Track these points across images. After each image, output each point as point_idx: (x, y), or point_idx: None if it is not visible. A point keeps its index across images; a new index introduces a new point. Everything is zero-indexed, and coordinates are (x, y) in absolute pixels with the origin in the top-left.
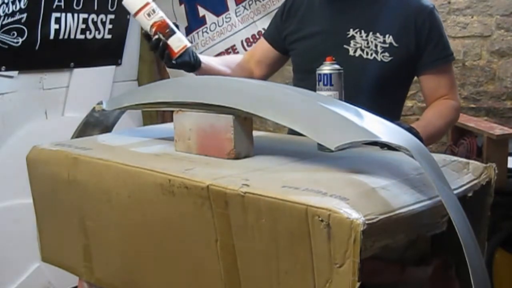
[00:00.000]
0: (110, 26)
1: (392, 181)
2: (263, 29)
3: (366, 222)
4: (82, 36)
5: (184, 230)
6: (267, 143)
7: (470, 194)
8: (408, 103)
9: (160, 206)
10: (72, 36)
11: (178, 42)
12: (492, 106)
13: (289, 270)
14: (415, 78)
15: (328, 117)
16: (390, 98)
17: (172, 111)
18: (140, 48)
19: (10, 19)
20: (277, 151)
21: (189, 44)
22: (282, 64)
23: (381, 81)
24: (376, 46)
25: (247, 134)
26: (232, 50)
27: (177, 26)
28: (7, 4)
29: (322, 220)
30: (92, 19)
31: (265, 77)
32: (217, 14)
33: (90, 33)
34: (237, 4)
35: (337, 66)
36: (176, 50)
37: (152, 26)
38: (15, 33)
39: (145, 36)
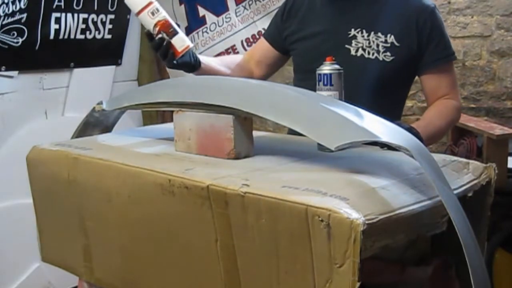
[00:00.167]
0: (110, 26)
1: (392, 181)
2: (263, 29)
3: (366, 222)
4: (82, 36)
5: (184, 230)
6: (267, 143)
7: (470, 194)
8: (408, 103)
9: (160, 206)
10: (72, 36)
11: (181, 42)
12: (492, 106)
13: (289, 270)
14: (416, 78)
15: (328, 117)
16: (391, 98)
17: (172, 111)
18: (140, 48)
19: (10, 19)
20: (277, 151)
21: (191, 44)
22: (282, 64)
23: (383, 81)
24: (377, 45)
25: (247, 134)
26: (232, 50)
27: (178, 26)
28: (7, 4)
29: (322, 220)
30: (92, 19)
31: (265, 77)
32: (217, 14)
33: (90, 33)
34: (237, 4)
35: (337, 66)
36: (179, 50)
37: (155, 25)
38: (15, 33)
39: (148, 35)
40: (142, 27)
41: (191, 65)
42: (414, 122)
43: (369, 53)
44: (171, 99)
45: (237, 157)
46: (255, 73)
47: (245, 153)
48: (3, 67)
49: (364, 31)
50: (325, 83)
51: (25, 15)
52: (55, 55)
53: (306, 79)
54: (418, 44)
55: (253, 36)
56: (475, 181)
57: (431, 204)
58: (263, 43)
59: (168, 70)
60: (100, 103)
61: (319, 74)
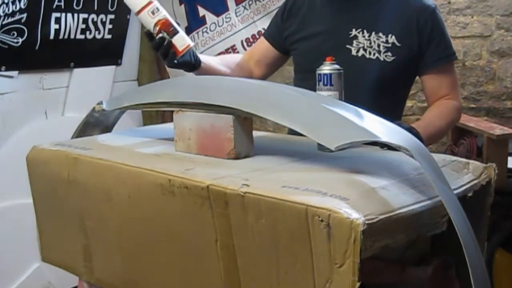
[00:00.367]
0: (110, 26)
1: (392, 181)
2: (263, 29)
3: (366, 222)
4: (82, 36)
5: (184, 230)
6: (267, 143)
7: (470, 194)
8: (408, 103)
9: (160, 206)
10: (72, 36)
11: (182, 41)
12: (492, 106)
13: (289, 270)
14: (416, 78)
15: (328, 117)
16: (392, 98)
17: (172, 111)
18: (140, 48)
19: (10, 19)
20: (277, 151)
21: (192, 44)
22: (281, 64)
23: (384, 81)
24: (378, 46)
25: (247, 134)
26: (232, 50)
27: (178, 24)
28: (7, 4)
29: (322, 220)
30: (92, 19)
31: (264, 77)
32: (217, 14)
33: (90, 33)
34: (237, 4)
35: (337, 66)
36: (180, 49)
37: (156, 24)
38: (15, 33)
39: (147, 35)
40: (142, 27)
41: (192, 64)
42: (414, 122)
43: (370, 53)
44: (171, 99)
45: (237, 157)
46: (255, 73)
47: (245, 153)
48: (3, 67)
49: (365, 31)
50: (325, 83)
51: (25, 15)
52: (55, 55)
53: (307, 79)
54: (418, 44)
55: (253, 36)
56: (475, 181)
57: (431, 204)
58: (263, 42)
59: (168, 70)
60: (100, 103)
61: (319, 74)
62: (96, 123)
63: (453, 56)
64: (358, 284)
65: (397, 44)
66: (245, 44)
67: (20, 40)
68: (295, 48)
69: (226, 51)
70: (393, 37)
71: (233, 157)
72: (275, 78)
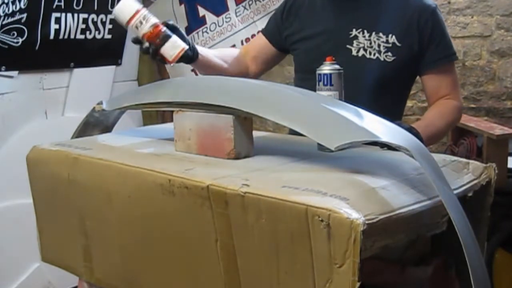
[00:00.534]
0: (110, 26)
1: (392, 181)
2: None
3: (366, 222)
4: (82, 36)
5: (184, 230)
6: (267, 143)
7: (470, 194)
8: (408, 103)
9: (160, 206)
10: (72, 36)
11: (172, 50)
12: (492, 106)
13: (289, 270)
14: (416, 78)
15: (328, 117)
16: (393, 98)
17: (172, 111)
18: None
19: (10, 19)
20: (277, 151)
21: (186, 46)
22: (277, 62)
23: (384, 81)
24: (379, 46)
25: (247, 134)
26: None
27: (173, 27)
28: (7, 4)
29: (322, 220)
30: (92, 19)
31: (260, 74)
32: (217, 14)
33: (90, 33)
34: (237, 4)
35: (337, 66)
36: (170, 59)
37: (143, 37)
38: (15, 33)
39: (135, 42)
40: None
41: (189, 57)
42: (414, 122)
43: (370, 53)
44: (171, 99)
45: (237, 157)
46: (251, 69)
47: (245, 153)
48: (3, 67)
49: (365, 31)
50: (325, 83)
51: (25, 15)
52: (55, 55)
53: (307, 79)
54: (419, 44)
55: (253, 36)
56: (475, 181)
57: (431, 204)
58: (261, 39)
59: (168, 70)
60: (100, 103)
61: (319, 74)
62: (96, 123)
63: (453, 56)
64: (358, 284)
65: (398, 44)
66: (245, 44)
67: (20, 40)
68: (295, 48)
69: None
70: (394, 37)
71: (233, 157)
72: (275, 78)
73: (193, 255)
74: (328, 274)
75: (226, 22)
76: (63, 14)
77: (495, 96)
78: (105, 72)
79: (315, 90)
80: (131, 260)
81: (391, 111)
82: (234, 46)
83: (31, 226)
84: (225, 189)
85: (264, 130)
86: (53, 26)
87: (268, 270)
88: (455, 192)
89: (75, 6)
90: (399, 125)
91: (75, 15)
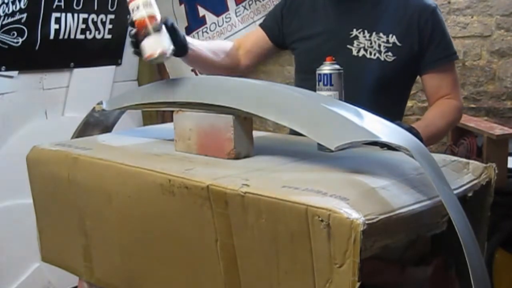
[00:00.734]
0: (110, 26)
1: (392, 181)
2: None
3: (366, 222)
4: (82, 36)
5: (184, 230)
6: (267, 143)
7: (470, 194)
8: (408, 103)
9: (160, 206)
10: (72, 36)
11: (149, 48)
12: (492, 106)
13: (289, 270)
14: (417, 77)
15: (328, 117)
16: (393, 98)
17: (172, 111)
18: None
19: (10, 19)
20: (277, 151)
21: (167, 51)
22: (270, 56)
23: (384, 81)
24: (379, 46)
25: (247, 134)
26: None
27: (171, 27)
28: (7, 4)
29: (322, 220)
30: (92, 19)
31: (251, 67)
32: (217, 14)
33: (90, 33)
34: (237, 4)
35: (337, 66)
36: (144, 55)
37: (133, 22)
38: (15, 33)
39: (130, 24)
40: None
41: (178, 53)
42: (414, 122)
43: (370, 53)
44: (171, 99)
45: (237, 157)
46: (242, 62)
47: (245, 153)
48: (3, 67)
49: (366, 31)
50: (325, 83)
51: (25, 15)
52: (55, 55)
53: (308, 79)
54: (419, 44)
55: None
56: (475, 181)
57: (431, 204)
58: (258, 32)
59: (168, 70)
60: (100, 103)
61: (319, 74)
62: (96, 123)
63: (454, 56)
64: (358, 284)
65: (398, 44)
66: None
67: (20, 40)
68: (296, 47)
69: None
70: (394, 37)
71: (233, 157)
72: (275, 78)
73: (193, 255)
74: (328, 274)
75: (226, 22)
76: (63, 14)
77: (495, 96)
78: (105, 72)
79: (315, 90)
80: (131, 260)
81: (391, 111)
82: None
83: (31, 226)
84: (225, 189)
85: (264, 130)
86: (53, 26)
87: (268, 270)
88: (455, 192)
89: (75, 6)
90: (399, 125)
91: (75, 15)
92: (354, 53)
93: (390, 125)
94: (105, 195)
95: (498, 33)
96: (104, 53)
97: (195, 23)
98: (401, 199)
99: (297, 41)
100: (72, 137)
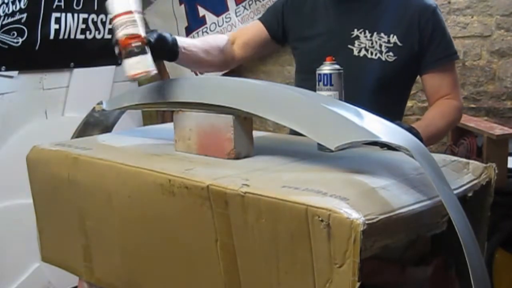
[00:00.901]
0: (110, 26)
1: (392, 181)
2: None
3: (366, 222)
4: (82, 36)
5: (184, 230)
6: (267, 143)
7: (470, 194)
8: (408, 103)
9: (160, 206)
10: (72, 36)
11: (131, 68)
12: (492, 106)
13: (289, 270)
14: (417, 77)
15: (328, 117)
16: (394, 98)
17: (172, 111)
18: None
19: (10, 19)
20: (277, 151)
21: (147, 70)
22: (267, 51)
23: (385, 81)
24: (380, 46)
25: (247, 134)
26: None
27: (156, 45)
28: (7, 4)
29: (322, 220)
30: (92, 19)
31: (246, 59)
32: (217, 14)
33: (90, 33)
34: (237, 4)
35: (337, 66)
36: (126, 74)
37: (116, 41)
38: (15, 33)
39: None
40: None
41: (169, 58)
42: (414, 122)
43: (372, 53)
44: (171, 99)
45: (237, 157)
46: (237, 55)
47: (245, 153)
48: (3, 67)
49: (367, 31)
50: (325, 83)
51: (25, 15)
52: (55, 55)
53: (309, 79)
54: (420, 44)
55: None
56: (475, 181)
57: (431, 204)
58: (257, 25)
59: (168, 70)
60: (100, 103)
61: (319, 74)
62: (96, 123)
63: (454, 56)
64: (358, 284)
65: (399, 44)
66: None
67: (20, 40)
68: (296, 47)
69: None
70: (395, 37)
71: (233, 157)
72: (275, 78)
73: (193, 255)
74: (328, 274)
75: (226, 22)
76: (63, 14)
77: (495, 96)
78: (105, 72)
79: (315, 90)
80: (131, 260)
81: (391, 111)
82: None
83: (31, 226)
84: (225, 189)
85: (264, 130)
86: (53, 26)
87: (268, 270)
88: (455, 192)
89: (75, 6)
90: (399, 125)
91: (75, 15)
92: (355, 53)
93: (390, 125)
94: (105, 195)
95: (498, 33)
96: (104, 53)
97: (195, 23)
98: (401, 199)
99: (297, 41)
100: (72, 137)
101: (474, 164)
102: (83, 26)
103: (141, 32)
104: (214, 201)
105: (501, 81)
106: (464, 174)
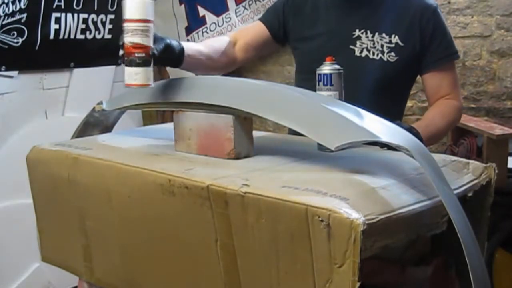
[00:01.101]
0: (110, 26)
1: (392, 181)
2: None
3: (366, 222)
4: (82, 36)
5: (184, 230)
6: (267, 143)
7: (470, 194)
8: (408, 103)
9: (160, 206)
10: (72, 36)
11: (129, 77)
12: (492, 106)
13: (289, 270)
14: (417, 77)
15: (328, 117)
16: (394, 98)
17: (172, 111)
18: None
19: (10, 19)
20: (277, 151)
21: (144, 83)
22: (268, 51)
23: (386, 81)
24: (382, 46)
25: (247, 134)
26: None
27: (160, 57)
28: (7, 4)
29: (322, 220)
30: (92, 19)
31: (247, 60)
32: (217, 14)
33: (90, 33)
34: (237, 4)
35: (337, 66)
36: (125, 82)
37: (122, 44)
38: (15, 33)
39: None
40: None
41: (173, 63)
42: (414, 122)
43: (373, 53)
44: (171, 99)
45: (237, 157)
46: (239, 56)
47: (245, 153)
48: (3, 67)
49: (368, 31)
50: (325, 83)
51: (25, 15)
52: (55, 55)
53: (309, 79)
54: (421, 44)
55: None
56: (475, 181)
57: (431, 204)
58: (258, 26)
59: (168, 70)
60: (100, 103)
61: (319, 74)
62: (96, 123)
63: (455, 55)
64: (358, 284)
65: (401, 44)
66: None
67: (20, 40)
68: (297, 47)
69: None
70: (397, 37)
71: (233, 157)
72: (275, 78)
73: (193, 255)
74: (328, 274)
75: (226, 22)
76: (63, 14)
77: (495, 96)
78: (105, 72)
79: (316, 91)
80: (131, 260)
81: (391, 111)
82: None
83: (31, 226)
84: (225, 189)
85: (264, 130)
86: (53, 26)
87: (268, 270)
88: (455, 192)
89: (75, 6)
90: (399, 125)
91: (75, 15)
92: (357, 53)
93: (390, 125)
94: (105, 195)
95: (498, 33)
96: (104, 53)
97: (195, 23)
98: (401, 199)
99: (298, 41)
100: (72, 137)
101: (474, 164)
102: (83, 26)
103: (149, 43)
104: (214, 201)
105: (501, 81)
106: (464, 174)
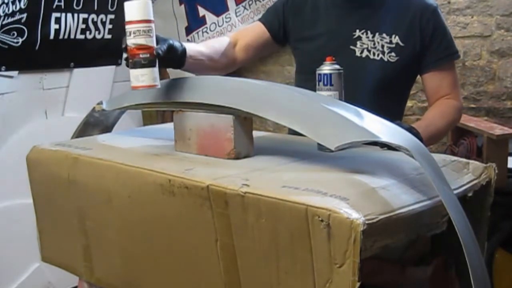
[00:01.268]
0: (110, 26)
1: (392, 181)
2: None
3: (366, 222)
4: (82, 36)
5: (184, 230)
6: (267, 143)
7: (470, 194)
8: (408, 103)
9: (160, 206)
10: (72, 36)
11: (135, 79)
12: (492, 106)
13: (289, 270)
14: (417, 78)
15: (328, 117)
16: (395, 98)
17: (172, 111)
18: None
19: (10, 19)
20: (277, 151)
21: (149, 84)
22: (268, 52)
23: (386, 81)
24: (382, 46)
25: (247, 134)
26: None
27: (164, 57)
28: (7, 4)
29: (322, 220)
30: (92, 19)
31: (248, 61)
32: (217, 14)
33: (90, 33)
34: (237, 4)
35: (337, 66)
36: (131, 84)
37: (125, 47)
38: (15, 33)
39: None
40: None
41: (176, 65)
42: (414, 122)
43: (374, 54)
44: (171, 99)
45: (237, 157)
46: (239, 57)
47: (245, 153)
48: (3, 67)
49: (369, 32)
50: (325, 83)
51: (25, 15)
52: (55, 55)
53: (310, 79)
54: (421, 44)
55: None
56: (475, 181)
57: (431, 204)
58: (258, 27)
59: (168, 70)
60: (100, 103)
61: (319, 74)
62: (96, 123)
63: (455, 55)
64: (358, 284)
65: (401, 44)
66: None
67: (20, 40)
68: (297, 47)
69: None
70: (397, 37)
71: (233, 157)
72: (275, 78)
73: (193, 255)
74: (328, 274)
75: (226, 22)
76: (63, 14)
77: (495, 96)
78: (105, 72)
79: (316, 91)
80: (131, 260)
81: (391, 111)
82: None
83: (31, 226)
84: (225, 189)
85: (264, 130)
86: (53, 26)
87: (268, 270)
88: (455, 192)
89: (75, 6)
90: (399, 125)
91: (75, 15)
92: (357, 53)
93: (390, 125)
94: (105, 195)
95: (498, 33)
96: (104, 53)
97: (195, 23)
98: (401, 199)
99: (298, 41)
100: (72, 137)
101: (474, 164)
102: (83, 26)
103: (152, 43)
104: (214, 201)
105: (501, 81)
106: (464, 174)
